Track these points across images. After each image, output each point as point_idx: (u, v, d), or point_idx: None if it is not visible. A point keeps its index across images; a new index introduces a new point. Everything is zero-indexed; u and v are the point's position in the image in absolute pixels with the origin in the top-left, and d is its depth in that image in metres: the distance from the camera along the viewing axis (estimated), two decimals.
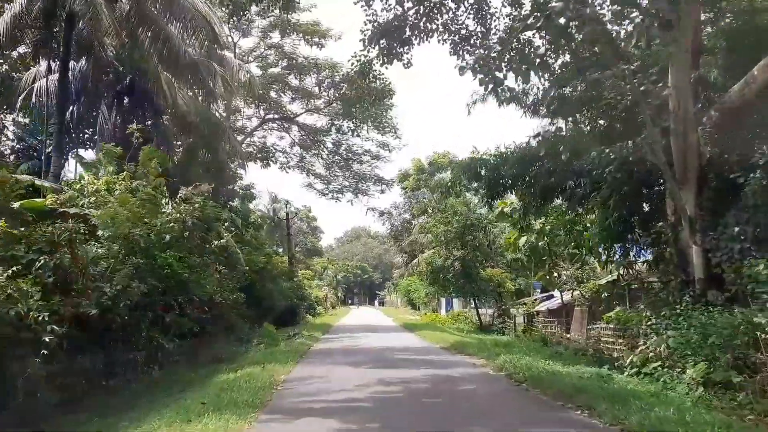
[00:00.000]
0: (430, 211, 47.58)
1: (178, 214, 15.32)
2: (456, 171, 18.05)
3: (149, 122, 26.00)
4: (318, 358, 16.89)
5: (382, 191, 32.51)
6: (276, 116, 34.28)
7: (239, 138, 38.22)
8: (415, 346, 21.16)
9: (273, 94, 34.29)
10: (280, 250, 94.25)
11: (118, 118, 25.93)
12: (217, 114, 31.19)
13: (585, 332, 24.24)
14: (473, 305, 44.28)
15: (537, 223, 26.52)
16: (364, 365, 15.04)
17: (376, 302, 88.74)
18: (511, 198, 28.29)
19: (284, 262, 39.94)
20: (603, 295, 23.68)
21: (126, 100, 26.57)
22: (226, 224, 25.90)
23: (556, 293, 31.69)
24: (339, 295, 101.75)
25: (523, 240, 28.19)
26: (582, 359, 16.00)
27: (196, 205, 15.64)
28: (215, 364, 15.94)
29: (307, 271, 66.47)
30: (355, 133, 33.24)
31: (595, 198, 15.38)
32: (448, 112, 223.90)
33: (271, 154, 34.67)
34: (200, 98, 26.35)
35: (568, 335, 24.27)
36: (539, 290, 39.14)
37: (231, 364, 15.55)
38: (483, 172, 17.57)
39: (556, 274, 27.22)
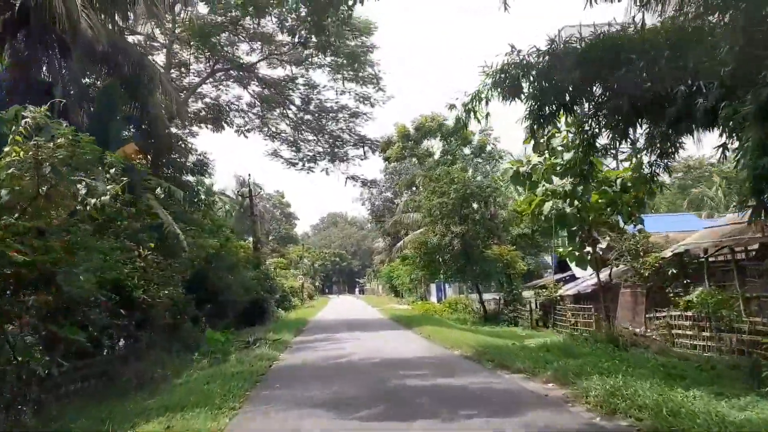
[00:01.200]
0: (418, 182, 41.06)
1: (23, 155, 8.58)
2: (480, 91, 11.50)
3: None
4: (279, 392, 10.20)
5: (364, 156, 26.24)
6: (228, 67, 27.38)
7: (189, 101, 31.15)
8: (425, 355, 14.63)
9: (225, 41, 27.25)
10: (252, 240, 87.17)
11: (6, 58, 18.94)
12: (151, 60, 24.15)
13: (643, 321, 18.06)
14: (472, 291, 38.10)
15: (565, 182, 20.14)
16: (358, 411, 8.39)
17: (357, 290, 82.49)
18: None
19: (248, 249, 33.16)
20: (669, 272, 17.54)
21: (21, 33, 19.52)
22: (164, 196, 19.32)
23: (583, 273, 25.55)
24: (317, 284, 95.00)
25: (547, 206, 21.78)
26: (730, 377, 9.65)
27: (60, 141, 8.86)
28: (115, 401, 9.35)
29: (281, 259, 59.58)
30: (330, 79, 26.53)
31: (730, 113, 8.95)
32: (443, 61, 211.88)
33: (224, 115, 27.89)
34: (116, 27, 19.39)
35: (629, 327, 18.02)
36: (552, 270, 33.01)
37: (139, 398, 9.03)
38: (526, 83, 11.08)
39: (589, 249, 21.00)
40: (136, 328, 15.26)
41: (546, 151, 19.52)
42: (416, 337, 19.87)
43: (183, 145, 29.64)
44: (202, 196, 30.27)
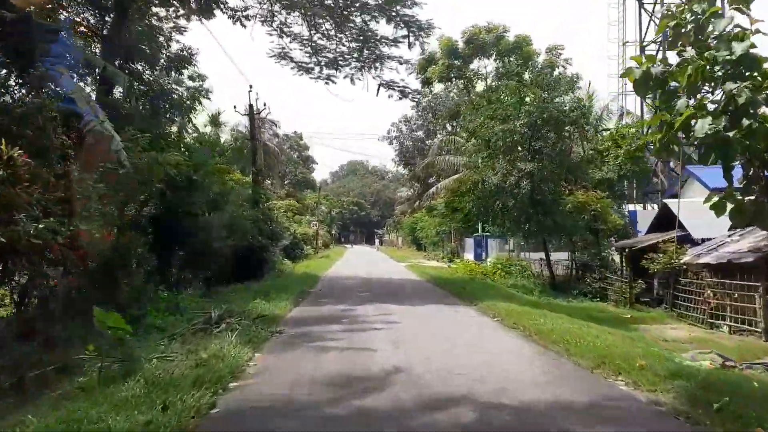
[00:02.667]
0: (465, 113, 32.39)
1: None
2: None
3: None
4: None
5: (410, 43, 17.92)
6: None
7: None
8: (573, 398, 6.58)
9: None
10: (268, 182, 79.49)
11: None
12: None
13: None
14: (528, 249, 30.13)
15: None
16: None
17: (376, 242, 74.96)
18: None
19: (243, 181, 25.21)
20: None
21: None
22: None
23: (708, 233, 17.35)
24: (333, 232, 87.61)
25: (702, 125, 13.45)
26: None
27: None
28: None
29: (293, 201, 51.82)
30: None
31: None
32: None
33: None
34: None
35: None
36: (633, 228, 24.78)
37: None
38: None
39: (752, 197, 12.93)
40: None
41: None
42: (495, 325, 11.77)
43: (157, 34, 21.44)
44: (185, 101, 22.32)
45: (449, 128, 45.62)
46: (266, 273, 24.27)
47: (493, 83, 30.65)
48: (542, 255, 31.41)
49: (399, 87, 20.42)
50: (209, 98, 30.71)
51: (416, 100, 28.24)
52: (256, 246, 23.14)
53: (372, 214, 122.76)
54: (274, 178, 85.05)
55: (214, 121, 51.65)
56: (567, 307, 17.68)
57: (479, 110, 23.03)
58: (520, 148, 22.25)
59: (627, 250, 21.96)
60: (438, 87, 40.03)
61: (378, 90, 20.75)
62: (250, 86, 27.06)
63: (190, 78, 30.37)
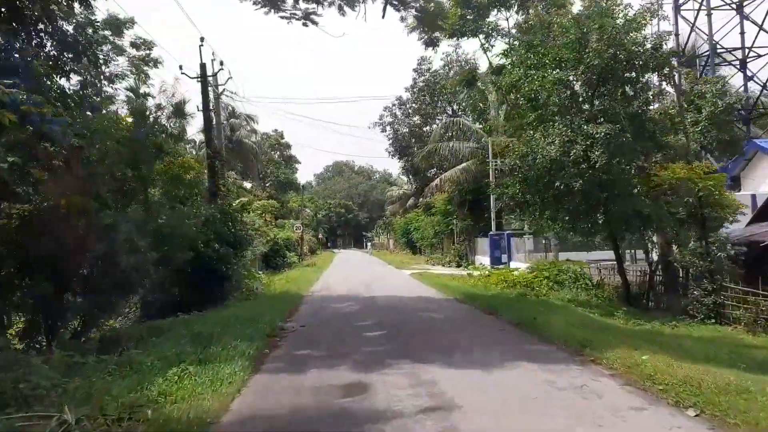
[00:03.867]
0: (485, 78, 25.45)
1: None
2: None
3: None
4: None
5: None
6: None
7: None
8: None
9: None
10: (247, 184, 72.06)
11: None
12: None
13: None
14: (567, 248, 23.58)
15: None
16: None
17: (368, 245, 67.91)
18: None
19: (192, 164, 18.01)
20: None
21: None
22: None
23: None
24: (320, 237, 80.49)
25: None
26: None
27: None
28: None
29: (270, 201, 44.74)
30: None
31: None
32: None
33: None
34: None
35: None
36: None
37: None
38: None
39: None
40: None
41: None
42: None
43: None
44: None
45: (447, 116, 38.99)
46: (229, 294, 17.27)
47: (517, 41, 23.82)
48: (584, 256, 24.82)
49: (414, 5, 13.51)
50: (157, 67, 23.93)
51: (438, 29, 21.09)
52: (211, 258, 16.14)
53: (360, 216, 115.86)
54: (254, 179, 77.89)
55: (179, 111, 44.50)
56: (697, 340, 10.90)
57: (529, 52, 16.07)
58: (583, 107, 15.49)
59: (731, 246, 15.25)
60: (445, 48, 33.22)
61: (384, 10, 13.83)
62: (202, 39, 19.64)
63: (133, 45, 23.45)
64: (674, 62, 15.80)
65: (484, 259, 33.79)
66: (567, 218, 16.26)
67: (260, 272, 24.01)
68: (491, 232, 33.40)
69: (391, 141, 42.36)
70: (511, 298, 15.44)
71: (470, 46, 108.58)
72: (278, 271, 35.88)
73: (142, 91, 24.01)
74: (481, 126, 36.32)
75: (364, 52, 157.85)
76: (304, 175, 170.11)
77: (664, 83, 15.89)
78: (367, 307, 14.71)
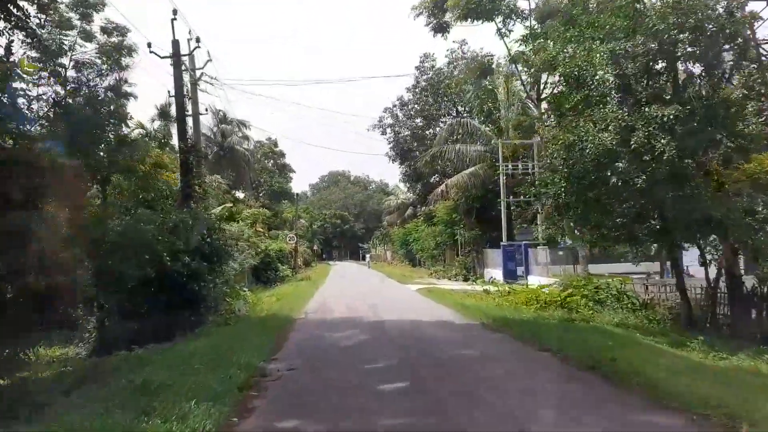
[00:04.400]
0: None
1: None
2: None
3: None
4: None
5: None
6: None
7: None
8: None
9: None
10: (240, 194, 68.88)
11: None
12: None
13: None
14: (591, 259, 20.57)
15: None
16: None
17: (367, 257, 64.77)
18: None
19: (160, 162, 14.82)
20: None
21: None
22: None
23: None
24: (315, 248, 77.26)
25: None
26: None
27: None
28: None
29: (264, 211, 41.65)
30: None
31: None
32: None
33: None
34: None
35: None
36: None
37: None
38: None
39: None
40: None
41: None
42: None
43: None
44: None
45: (455, 112, 36.02)
46: (204, 318, 14.08)
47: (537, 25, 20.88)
48: (606, 268, 21.85)
49: None
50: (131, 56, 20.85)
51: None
52: (180, 274, 12.99)
53: (356, 227, 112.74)
54: (246, 189, 74.66)
55: (164, 114, 41.40)
56: None
57: (567, 25, 13.10)
58: (639, 86, 12.49)
59: None
60: (456, 35, 30.29)
61: None
62: (174, 12, 16.46)
63: (104, 31, 20.39)
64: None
65: (494, 273, 30.68)
66: (619, 224, 13.16)
67: (246, 289, 20.84)
68: (504, 243, 30.34)
69: (391, 145, 39.36)
70: (555, 325, 12.28)
71: (478, 42, 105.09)
72: (269, 286, 32.68)
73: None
74: (489, 128, 33.44)
75: (361, 49, 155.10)
76: (299, 185, 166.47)
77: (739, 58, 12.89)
78: (375, 338, 11.51)
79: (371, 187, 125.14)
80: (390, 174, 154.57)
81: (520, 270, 27.73)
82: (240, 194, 71.47)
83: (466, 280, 33.45)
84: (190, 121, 18.02)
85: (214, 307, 14.46)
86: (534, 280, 24.09)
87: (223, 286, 16.38)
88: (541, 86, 21.23)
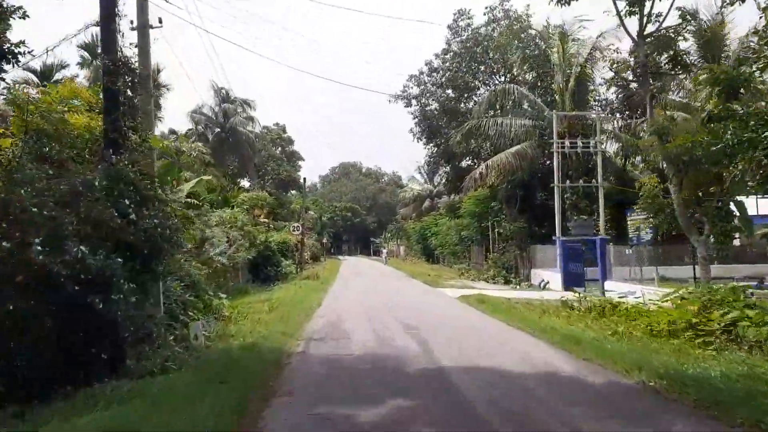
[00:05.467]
0: None
1: None
2: None
3: None
4: None
5: None
6: None
7: None
8: None
9: None
10: (246, 183, 62.90)
11: None
12: None
13: None
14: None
15: None
16: None
17: (384, 253, 58.06)
18: None
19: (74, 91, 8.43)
20: None
21: None
22: None
23: None
24: (324, 241, 71.04)
25: None
26: None
27: None
28: None
29: (265, 195, 35.35)
30: None
31: None
32: None
33: None
34: None
35: None
36: None
37: None
38: None
39: None
40: None
41: None
42: None
43: None
44: None
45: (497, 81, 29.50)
46: (121, 359, 7.72)
47: None
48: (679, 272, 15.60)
49: None
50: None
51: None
52: (72, 279, 6.64)
53: (368, 220, 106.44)
54: (250, 175, 68.43)
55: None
56: None
57: None
58: None
59: None
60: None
61: None
62: None
63: None
64: None
65: (547, 275, 24.19)
66: None
67: (224, 295, 14.45)
68: (560, 237, 23.88)
69: (416, 120, 32.68)
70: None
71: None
72: (268, 285, 26.44)
73: None
74: (540, 97, 26.96)
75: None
76: (309, 176, 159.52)
77: None
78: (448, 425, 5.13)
79: (384, 179, 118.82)
80: (407, 163, 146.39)
81: (592, 273, 21.32)
82: (245, 183, 65.15)
83: (507, 282, 27.01)
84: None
85: (143, 334, 8.10)
86: (613, 287, 17.58)
87: (169, 299, 10.04)
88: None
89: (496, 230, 28.57)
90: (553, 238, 25.74)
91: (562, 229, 24.69)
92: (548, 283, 23.68)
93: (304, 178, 48.85)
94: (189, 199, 18.62)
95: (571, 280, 21.75)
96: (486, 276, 28.61)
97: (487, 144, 28.99)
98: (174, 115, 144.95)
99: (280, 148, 78.66)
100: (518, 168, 26.36)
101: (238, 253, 23.96)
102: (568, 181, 25.82)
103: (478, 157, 31.80)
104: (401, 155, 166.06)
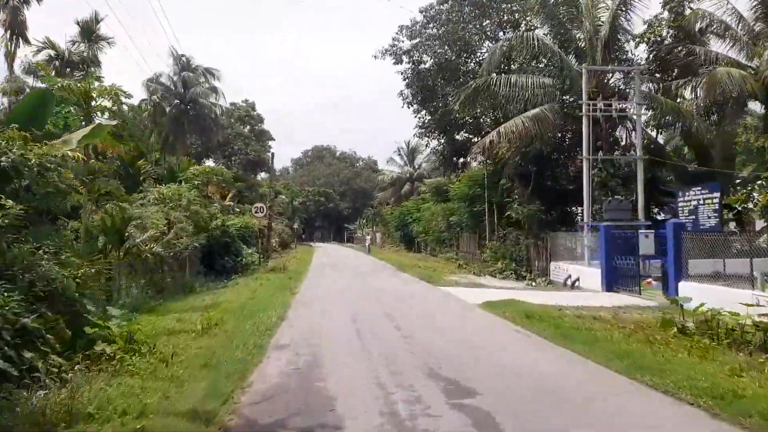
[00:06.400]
0: None
1: None
2: None
3: None
4: None
5: None
6: None
7: None
8: None
9: None
10: (211, 163, 56.92)
11: None
12: None
13: None
14: None
15: None
16: None
17: (367, 240, 51.32)
18: None
19: None
20: None
21: None
22: None
23: None
24: (296, 227, 64.93)
25: None
26: None
27: None
28: None
29: (218, 168, 29.18)
30: None
31: None
32: None
33: None
34: None
35: None
36: None
37: None
38: None
39: None
40: None
41: None
42: None
43: None
44: None
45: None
46: None
47: None
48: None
49: None
50: None
51: None
52: None
53: (342, 206, 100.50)
54: (214, 153, 61.72)
55: None
56: None
57: None
58: None
59: None
60: None
61: None
62: None
63: None
64: None
65: (572, 269, 18.90)
66: None
67: (116, 313, 8.60)
68: (591, 222, 18.66)
69: (407, 81, 26.57)
70: None
71: None
72: (222, 281, 20.74)
73: None
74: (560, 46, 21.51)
75: None
76: (281, 160, 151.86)
77: None
78: None
79: (359, 164, 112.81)
80: (403, 123, 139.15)
81: (646, 269, 16.05)
82: (211, 163, 58.51)
83: (521, 278, 21.71)
84: None
85: None
86: (693, 290, 12.24)
87: None
88: None
89: (506, 213, 23.09)
90: (580, 223, 20.48)
91: (590, 215, 19.49)
92: (578, 280, 18.39)
93: (272, 153, 42.70)
94: (95, 161, 12.66)
95: (616, 278, 16.48)
96: (492, 269, 23.18)
97: (491, 113, 23.47)
98: (132, 87, 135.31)
99: (248, 127, 71.96)
100: (536, 136, 20.91)
101: (179, 239, 18.07)
102: (600, 153, 20.54)
103: (478, 131, 26.26)
104: (378, 139, 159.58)
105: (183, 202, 20.03)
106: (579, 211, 23.70)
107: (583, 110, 20.08)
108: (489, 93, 22.04)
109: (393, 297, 14.77)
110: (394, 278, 20.96)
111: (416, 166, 66.38)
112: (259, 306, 12.35)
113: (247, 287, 17.29)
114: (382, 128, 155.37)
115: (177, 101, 49.58)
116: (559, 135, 22.35)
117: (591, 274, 17.80)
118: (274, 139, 70.67)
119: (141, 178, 24.47)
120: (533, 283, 20.65)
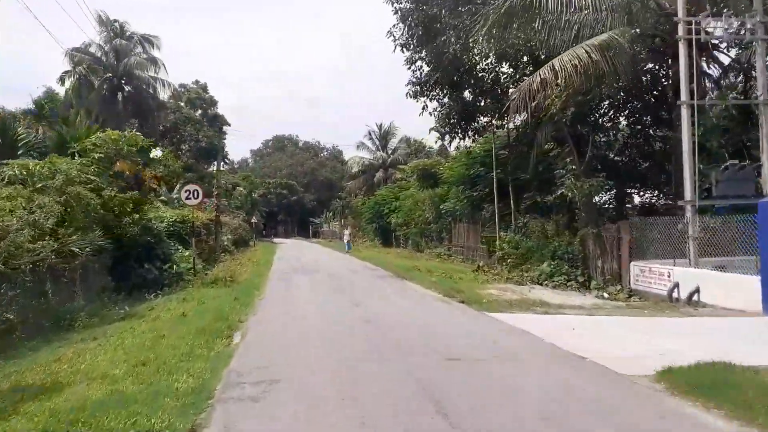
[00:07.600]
0: None
1: None
2: None
3: None
4: None
5: None
6: None
7: None
8: None
9: None
10: (158, 152, 48.49)
11: None
12: None
13: None
14: None
15: None
16: None
17: (346, 235, 43.07)
18: None
19: None
20: None
21: None
22: None
23: None
24: (255, 221, 56.62)
25: None
26: None
27: None
28: None
29: (132, 135, 20.79)
30: None
31: None
32: None
33: None
34: None
35: None
36: None
37: None
38: None
39: None
40: None
41: None
42: None
43: None
44: None
45: None
46: None
47: None
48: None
49: None
50: None
51: None
52: None
53: (306, 198, 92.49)
54: (159, 139, 52.66)
55: None
56: None
57: None
58: None
59: None
60: None
61: None
62: None
63: None
64: None
65: (678, 274, 11.87)
66: None
67: None
68: (718, 202, 11.63)
69: (400, 13, 18.72)
70: None
71: None
72: (137, 301, 13.06)
73: None
74: None
75: None
76: (239, 151, 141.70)
77: None
78: None
79: (323, 153, 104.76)
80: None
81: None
82: (158, 152, 49.46)
83: (583, 286, 14.59)
84: None
85: None
86: None
87: None
88: None
89: (560, 191, 15.81)
90: (680, 203, 13.42)
91: (690, 186, 12.53)
92: (697, 291, 11.35)
93: (224, 133, 34.37)
94: None
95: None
96: (533, 275, 15.90)
97: (527, 48, 16.31)
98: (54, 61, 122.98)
99: (200, 110, 63.10)
100: (606, 75, 13.79)
101: (42, 240, 10.20)
102: (707, 97, 13.53)
103: (496, 88, 19.04)
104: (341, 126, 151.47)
105: (57, 182, 12.08)
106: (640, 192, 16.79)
107: (680, 32, 13.10)
108: (529, 16, 14.77)
109: (435, 356, 7.21)
110: (403, 299, 13.22)
111: (389, 151, 58.87)
112: (157, 391, 4.74)
113: (161, 323, 9.58)
114: (348, 116, 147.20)
115: (109, 74, 40.69)
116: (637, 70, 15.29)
117: (720, 283, 10.81)
118: (230, 124, 62.04)
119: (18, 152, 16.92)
120: (605, 294, 13.60)
